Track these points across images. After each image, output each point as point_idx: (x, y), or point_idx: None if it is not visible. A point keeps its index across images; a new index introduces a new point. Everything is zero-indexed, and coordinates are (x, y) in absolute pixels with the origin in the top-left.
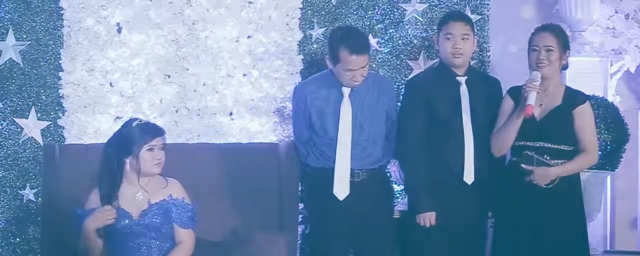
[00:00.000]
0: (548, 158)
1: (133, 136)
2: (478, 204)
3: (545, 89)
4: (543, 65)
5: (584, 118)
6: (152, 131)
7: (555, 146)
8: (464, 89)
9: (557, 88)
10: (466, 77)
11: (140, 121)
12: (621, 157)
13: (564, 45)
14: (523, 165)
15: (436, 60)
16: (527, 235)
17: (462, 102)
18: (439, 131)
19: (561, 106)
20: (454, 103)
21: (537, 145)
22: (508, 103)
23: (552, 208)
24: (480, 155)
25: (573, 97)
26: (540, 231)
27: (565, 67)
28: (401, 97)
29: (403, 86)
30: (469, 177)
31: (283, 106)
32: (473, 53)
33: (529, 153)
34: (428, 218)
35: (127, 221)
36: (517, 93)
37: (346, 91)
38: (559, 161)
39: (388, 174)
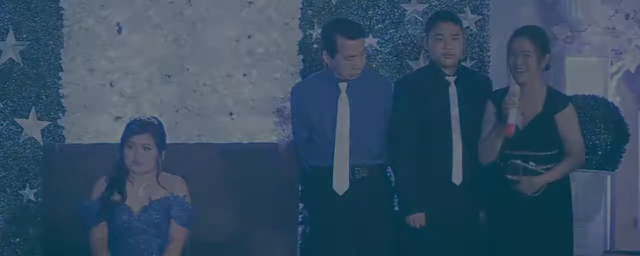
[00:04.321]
0: (534, 165)
1: (125, 129)
2: (468, 204)
3: (526, 95)
4: (520, 71)
5: (567, 122)
6: (131, 128)
7: (540, 153)
8: (453, 89)
9: (537, 92)
10: (455, 77)
11: (138, 117)
12: (621, 157)
13: (543, 48)
14: (509, 176)
15: None
16: (518, 239)
17: (451, 102)
18: (428, 132)
19: (542, 113)
20: (443, 104)
21: (522, 153)
22: (491, 110)
23: (541, 210)
24: (469, 155)
25: (554, 102)
26: (531, 234)
27: (547, 68)
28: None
29: None
30: (457, 177)
31: (283, 106)
32: (473, 53)
33: (514, 162)
34: (417, 219)
35: (127, 216)
36: (500, 99)
37: (343, 86)
38: (546, 166)
39: (389, 174)
